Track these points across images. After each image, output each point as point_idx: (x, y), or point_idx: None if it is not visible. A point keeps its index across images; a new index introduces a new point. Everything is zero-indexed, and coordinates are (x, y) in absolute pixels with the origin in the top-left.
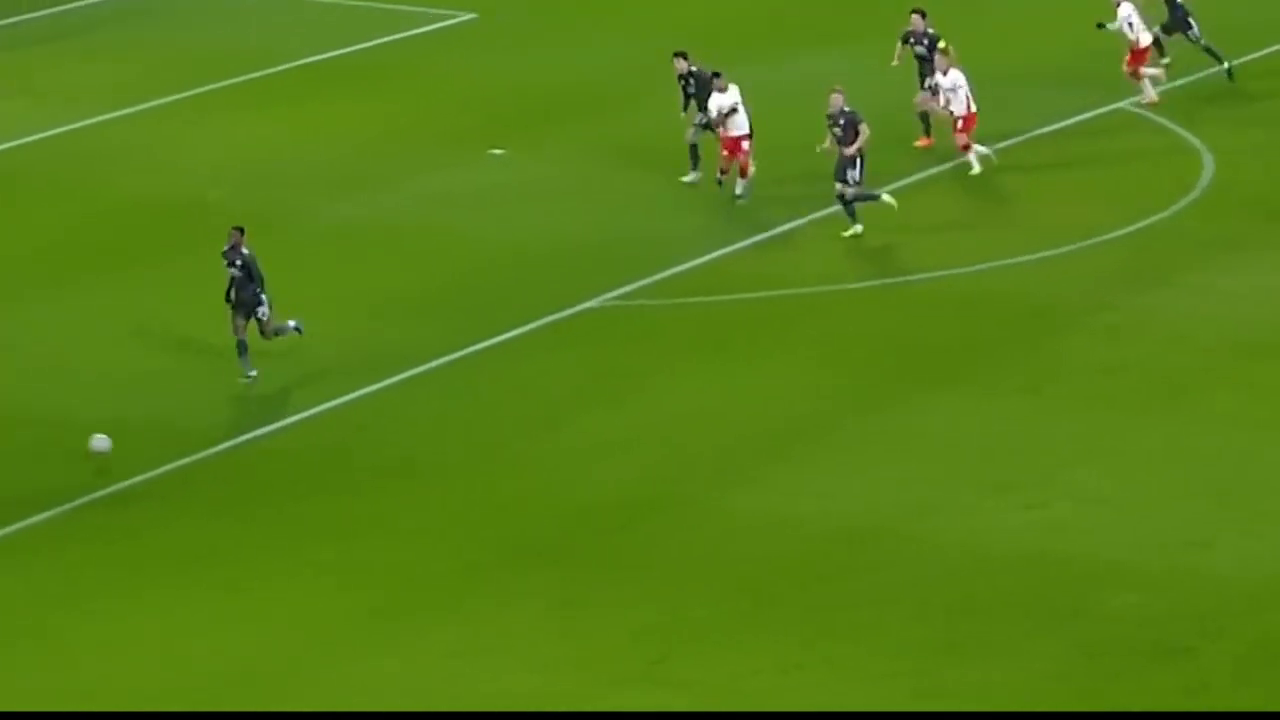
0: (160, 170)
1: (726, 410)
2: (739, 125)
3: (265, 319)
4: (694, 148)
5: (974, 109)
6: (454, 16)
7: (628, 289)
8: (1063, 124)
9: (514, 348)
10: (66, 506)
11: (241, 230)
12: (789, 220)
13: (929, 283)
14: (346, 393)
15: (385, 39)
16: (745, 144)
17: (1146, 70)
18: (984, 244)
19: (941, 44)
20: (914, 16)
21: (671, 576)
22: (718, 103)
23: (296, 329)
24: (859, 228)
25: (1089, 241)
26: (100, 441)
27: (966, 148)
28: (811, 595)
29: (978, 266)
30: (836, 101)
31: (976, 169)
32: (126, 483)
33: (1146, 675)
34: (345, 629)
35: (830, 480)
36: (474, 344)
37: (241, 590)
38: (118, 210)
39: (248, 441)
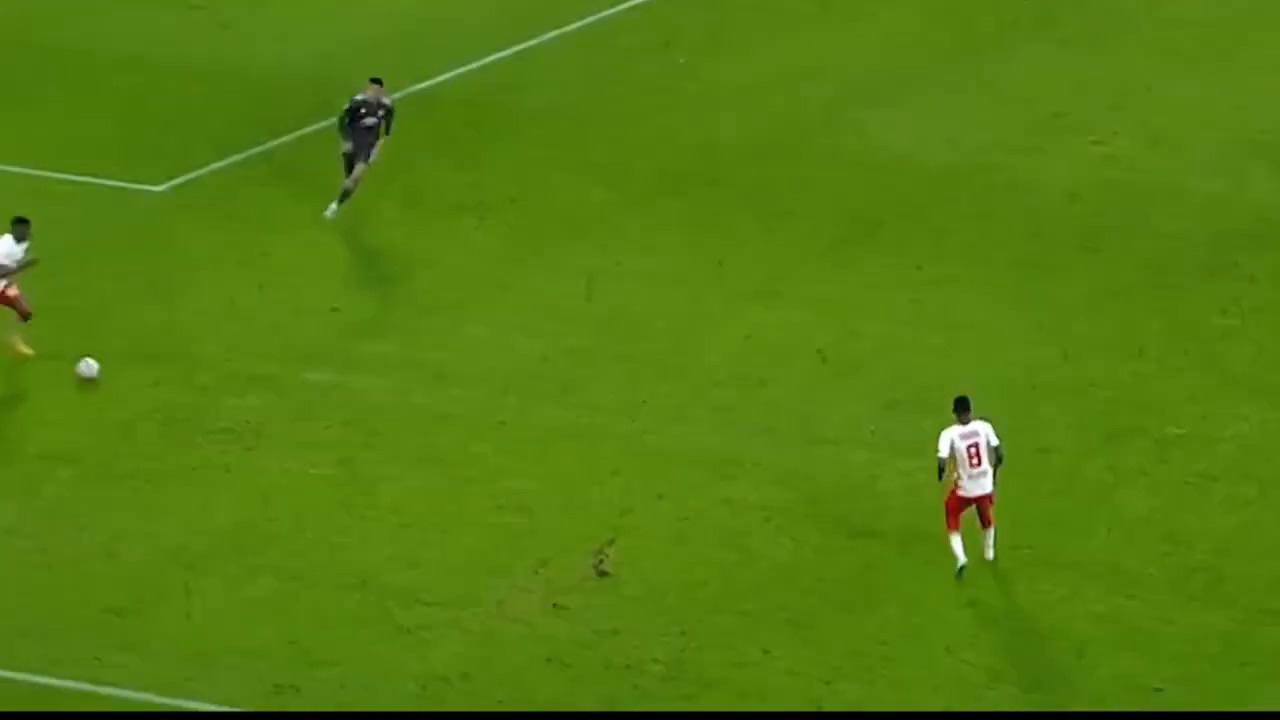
0: None
1: (836, 63)
2: None
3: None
4: None
5: None
6: None
7: None
8: None
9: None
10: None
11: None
12: None
13: None
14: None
15: None
16: None
17: None
18: None
19: None
20: None
21: (791, 206)
22: None
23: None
24: None
25: None
26: (88, 367)
27: None
28: (912, 223)
29: None
30: None
31: None
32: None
33: (1198, 287)
34: (509, 250)
35: (926, 123)
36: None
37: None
38: None
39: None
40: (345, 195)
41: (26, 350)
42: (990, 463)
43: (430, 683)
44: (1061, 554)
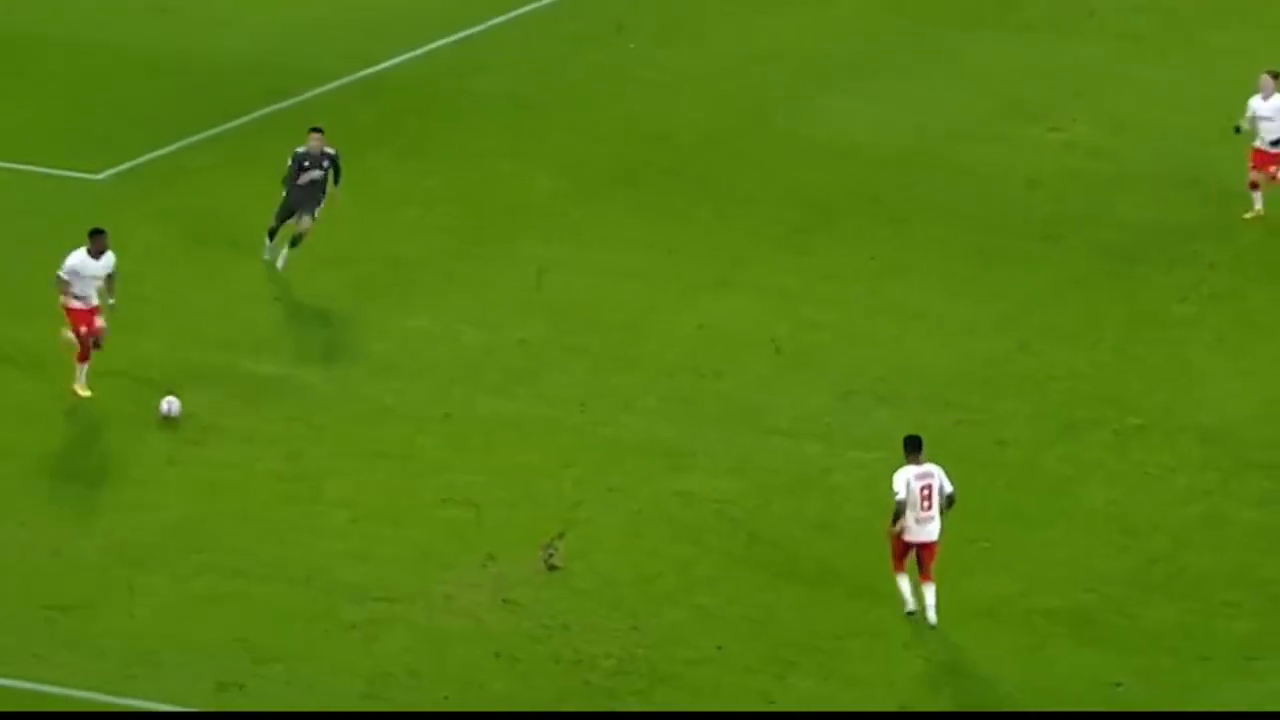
0: None
1: (795, 48)
2: None
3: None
4: None
5: None
6: None
7: None
8: None
9: None
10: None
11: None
12: None
13: None
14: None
15: None
16: None
17: None
18: None
19: None
20: None
21: (747, 195)
22: None
23: None
24: None
25: None
26: (170, 405)
27: None
28: (869, 211)
29: None
30: None
31: None
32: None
33: (1158, 275)
34: (455, 241)
35: (885, 110)
36: None
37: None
38: None
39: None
40: (295, 241)
41: (84, 391)
42: (940, 508)
43: (377, 679)
44: (1019, 548)
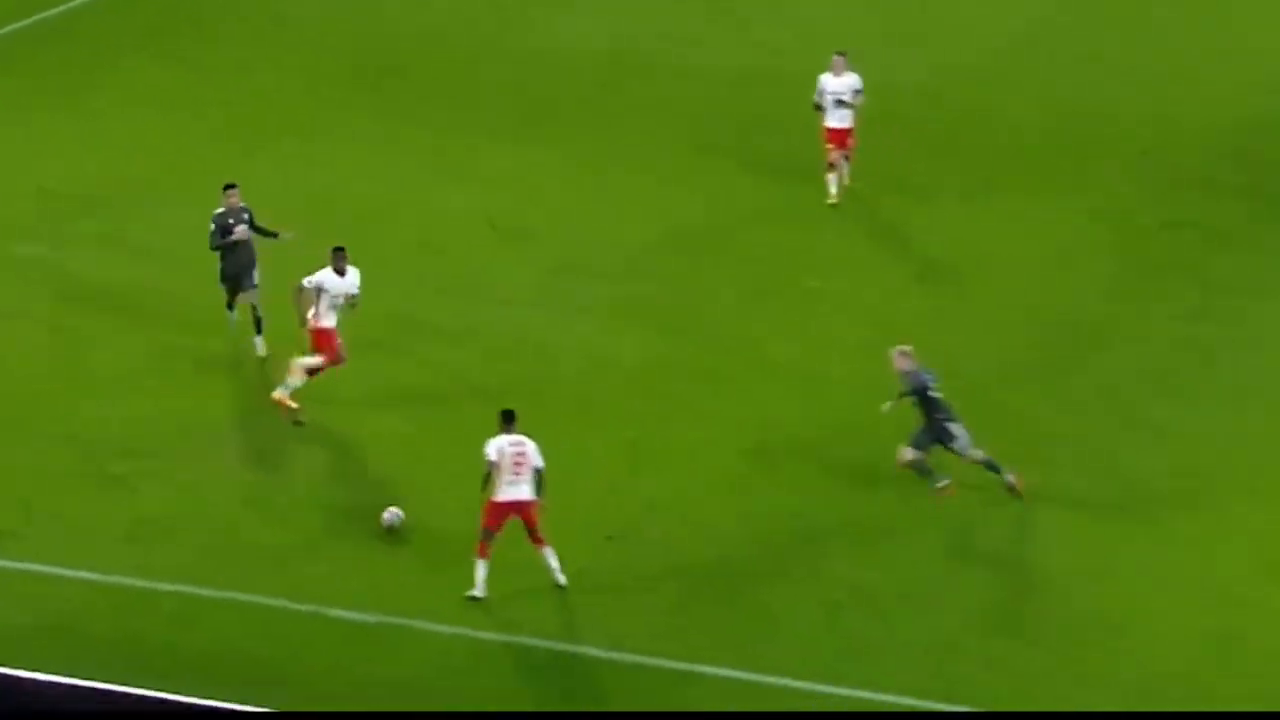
0: None
1: None
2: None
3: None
4: None
5: None
6: None
7: None
8: None
9: None
10: None
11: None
12: None
13: None
14: None
15: None
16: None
17: None
18: None
19: None
20: None
21: (472, 98)
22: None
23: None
24: None
25: None
26: (392, 516)
27: None
28: (583, 109)
29: None
30: None
31: None
32: None
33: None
34: (206, 150)
35: (597, 19)
36: None
37: (99, 116)
38: None
39: None
40: (259, 325)
41: (292, 404)
42: (531, 478)
43: (139, 526)
44: (715, 399)
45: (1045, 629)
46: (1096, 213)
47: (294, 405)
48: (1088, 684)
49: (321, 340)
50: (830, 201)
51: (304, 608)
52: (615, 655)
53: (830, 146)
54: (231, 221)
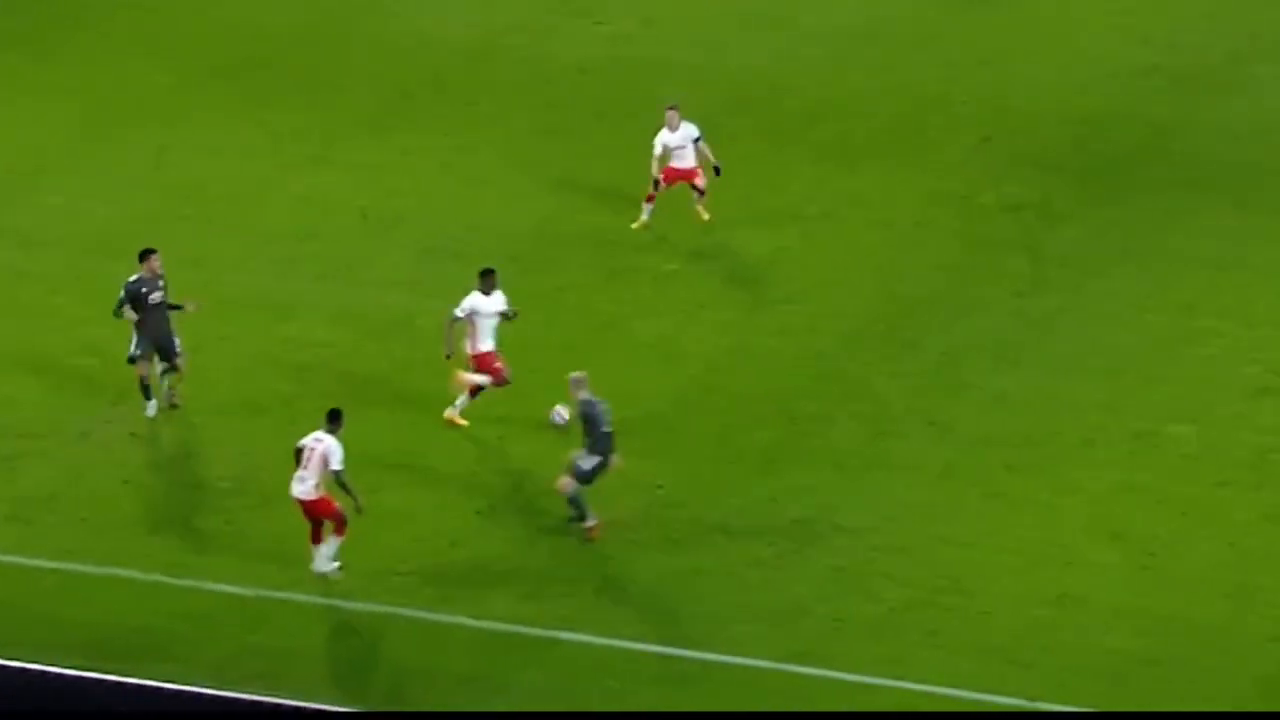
0: None
1: None
2: None
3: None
4: None
5: None
6: None
7: None
8: None
9: None
10: None
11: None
12: None
13: None
14: None
15: None
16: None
17: None
18: None
19: None
20: None
21: (335, 84)
22: None
23: None
24: None
25: None
26: (560, 415)
27: None
28: (440, 96)
29: None
30: None
31: None
32: None
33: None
34: (85, 128)
35: (450, 7)
36: None
37: None
38: None
39: None
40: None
41: (462, 421)
42: (320, 474)
43: (20, 502)
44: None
45: (892, 592)
46: (939, 194)
47: (463, 422)
48: (937, 644)
49: (483, 364)
50: (635, 226)
51: (182, 582)
52: (482, 624)
53: (675, 182)
54: (145, 291)
